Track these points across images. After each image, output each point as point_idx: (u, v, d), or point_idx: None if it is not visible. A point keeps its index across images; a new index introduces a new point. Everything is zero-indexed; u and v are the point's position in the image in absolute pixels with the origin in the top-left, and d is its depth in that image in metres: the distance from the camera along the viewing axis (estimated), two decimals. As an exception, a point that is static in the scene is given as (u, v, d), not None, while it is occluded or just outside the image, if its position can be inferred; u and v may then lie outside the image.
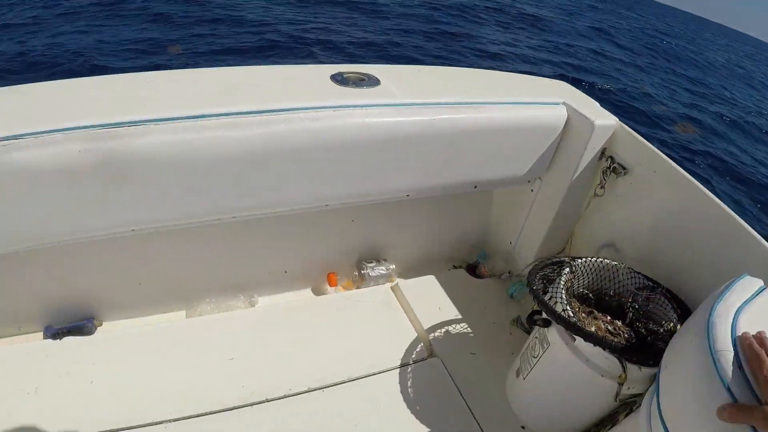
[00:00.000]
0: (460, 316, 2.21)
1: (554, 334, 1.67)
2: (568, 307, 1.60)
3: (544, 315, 1.65)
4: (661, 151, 1.96)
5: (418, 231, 2.52)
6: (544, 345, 1.72)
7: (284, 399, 1.75)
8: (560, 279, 1.70)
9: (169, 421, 1.64)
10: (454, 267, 2.55)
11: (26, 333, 1.95)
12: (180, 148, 1.56)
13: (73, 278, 1.95)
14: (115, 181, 1.53)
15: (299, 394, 1.77)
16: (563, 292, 1.66)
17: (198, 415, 1.67)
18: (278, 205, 1.82)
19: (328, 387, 1.80)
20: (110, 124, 1.49)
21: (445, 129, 1.90)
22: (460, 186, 2.11)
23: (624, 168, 2.05)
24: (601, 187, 2.13)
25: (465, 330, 2.14)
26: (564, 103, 2.12)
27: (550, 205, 2.26)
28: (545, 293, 1.68)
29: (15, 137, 1.39)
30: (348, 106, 1.76)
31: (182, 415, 1.66)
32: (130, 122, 1.51)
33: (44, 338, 1.92)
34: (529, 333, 2.14)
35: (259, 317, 2.07)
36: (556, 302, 1.62)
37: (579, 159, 2.09)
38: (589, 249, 2.25)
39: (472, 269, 2.54)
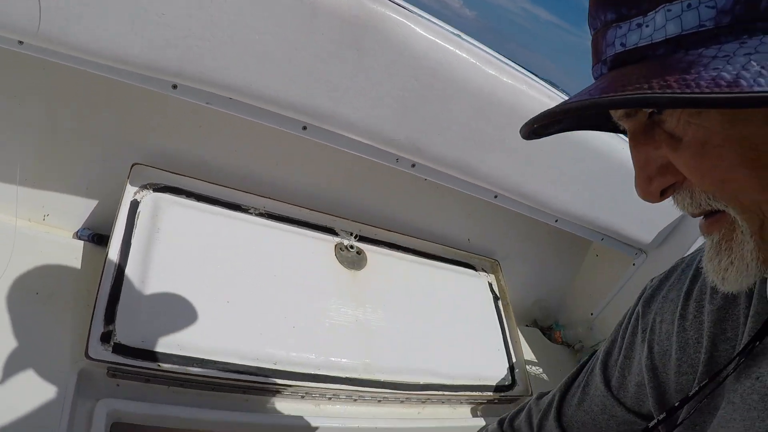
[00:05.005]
0: (539, 373, 2.14)
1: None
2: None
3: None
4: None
5: (518, 263, 2.35)
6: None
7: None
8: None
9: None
10: (527, 326, 2.50)
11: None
12: None
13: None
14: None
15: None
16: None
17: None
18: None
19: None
20: None
21: (605, 151, 1.79)
22: (579, 219, 1.98)
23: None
24: (700, 274, 2.08)
25: (543, 387, 2.07)
26: None
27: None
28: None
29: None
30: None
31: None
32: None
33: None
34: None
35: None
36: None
37: (692, 244, 2.01)
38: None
39: (544, 332, 2.49)
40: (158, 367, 1.25)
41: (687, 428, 0.75)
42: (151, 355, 1.25)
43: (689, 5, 0.48)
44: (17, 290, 1.31)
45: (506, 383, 1.81)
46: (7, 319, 1.23)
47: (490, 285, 2.04)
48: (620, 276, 2.28)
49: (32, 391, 1.14)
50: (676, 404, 0.74)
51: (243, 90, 1.34)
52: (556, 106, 0.53)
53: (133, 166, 1.49)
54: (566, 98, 1.71)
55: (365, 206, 1.89)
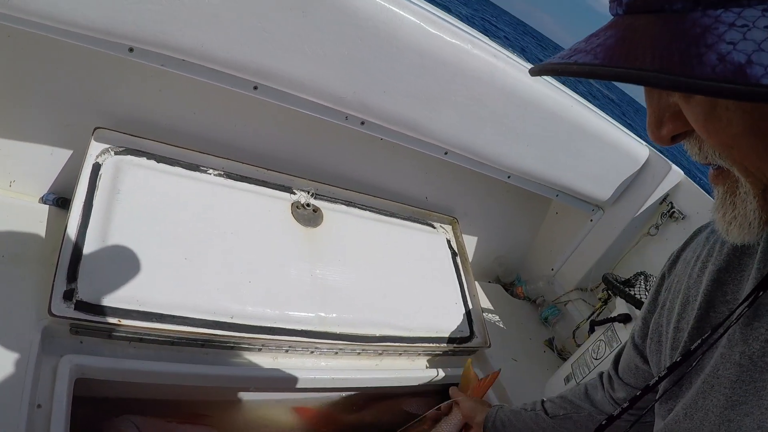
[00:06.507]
0: (501, 326, 2.21)
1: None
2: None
3: (618, 313, 1.71)
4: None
5: (479, 220, 2.42)
6: (613, 345, 1.70)
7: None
8: (641, 282, 1.76)
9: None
10: (489, 282, 2.57)
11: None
12: None
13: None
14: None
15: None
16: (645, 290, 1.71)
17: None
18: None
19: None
20: None
21: (556, 110, 1.84)
22: (532, 175, 2.04)
23: (682, 214, 2.10)
24: (656, 228, 2.17)
25: (506, 339, 2.16)
26: (647, 144, 2.16)
27: (604, 239, 2.25)
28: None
29: None
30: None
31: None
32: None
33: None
34: (560, 356, 2.20)
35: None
36: (641, 297, 1.67)
37: (646, 198, 2.12)
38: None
39: (506, 288, 2.56)
40: (119, 323, 1.28)
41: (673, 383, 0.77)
42: (112, 312, 1.28)
43: None
44: (-18, 255, 1.33)
45: (464, 335, 1.87)
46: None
47: (449, 242, 2.10)
48: (579, 232, 2.35)
49: (-3, 350, 1.16)
50: (678, 359, 0.74)
51: (194, 52, 1.37)
52: (560, 64, 0.51)
53: (95, 129, 1.52)
54: (519, 57, 1.73)
55: (322, 166, 1.93)
